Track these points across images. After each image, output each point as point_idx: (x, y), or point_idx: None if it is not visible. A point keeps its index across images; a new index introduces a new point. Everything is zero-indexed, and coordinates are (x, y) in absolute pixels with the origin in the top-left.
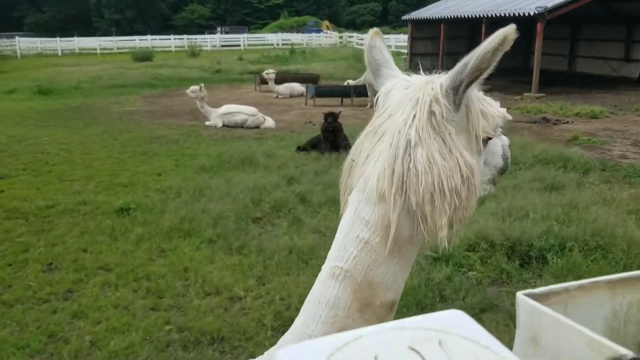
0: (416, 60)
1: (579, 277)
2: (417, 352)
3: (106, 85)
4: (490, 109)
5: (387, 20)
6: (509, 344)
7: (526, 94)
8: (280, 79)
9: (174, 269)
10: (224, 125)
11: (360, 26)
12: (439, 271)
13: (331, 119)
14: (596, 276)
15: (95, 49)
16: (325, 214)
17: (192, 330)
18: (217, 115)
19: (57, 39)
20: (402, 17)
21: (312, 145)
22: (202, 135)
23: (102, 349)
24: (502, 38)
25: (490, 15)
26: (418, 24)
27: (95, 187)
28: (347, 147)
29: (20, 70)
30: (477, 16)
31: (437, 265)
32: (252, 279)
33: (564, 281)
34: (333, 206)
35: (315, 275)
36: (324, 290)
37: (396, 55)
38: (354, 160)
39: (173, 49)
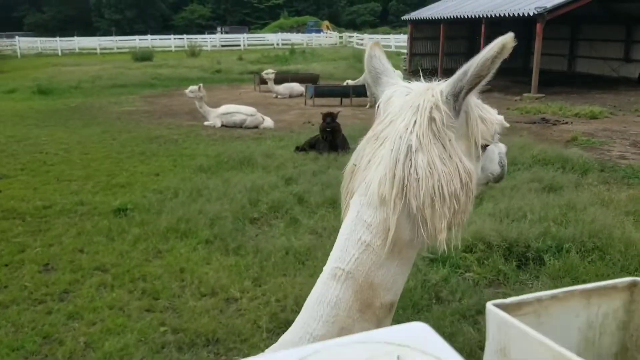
0: (416, 60)
1: (576, 279)
2: None
3: (106, 85)
4: (488, 115)
5: (387, 20)
6: None
7: (525, 95)
8: (280, 79)
9: (170, 270)
10: (222, 125)
11: (360, 26)
12: (435, 272)
13: (330, 119)
14: (593, 278)
15: (95, 49)
16: (322, 215)
17: (187, 332)
18: (215, 115)
19: (57, 38)
20: (402, 17)
21: (311, 146)
22: (201, 135)
23: (96, 350)
24: (500, 46)
25: (489, 16)
26: (418, 24)
27: (93, 187)
28: (346, 147)
29: (20, 70)
30: (477, 16)
31: (434, 266)
32: (248, 280)
33: (562, 283)
34: (331, 207)
35: (311, 277)
36: (326, 291)
37: (396, 55)
38: (355, 165)
39: (173, 48)
